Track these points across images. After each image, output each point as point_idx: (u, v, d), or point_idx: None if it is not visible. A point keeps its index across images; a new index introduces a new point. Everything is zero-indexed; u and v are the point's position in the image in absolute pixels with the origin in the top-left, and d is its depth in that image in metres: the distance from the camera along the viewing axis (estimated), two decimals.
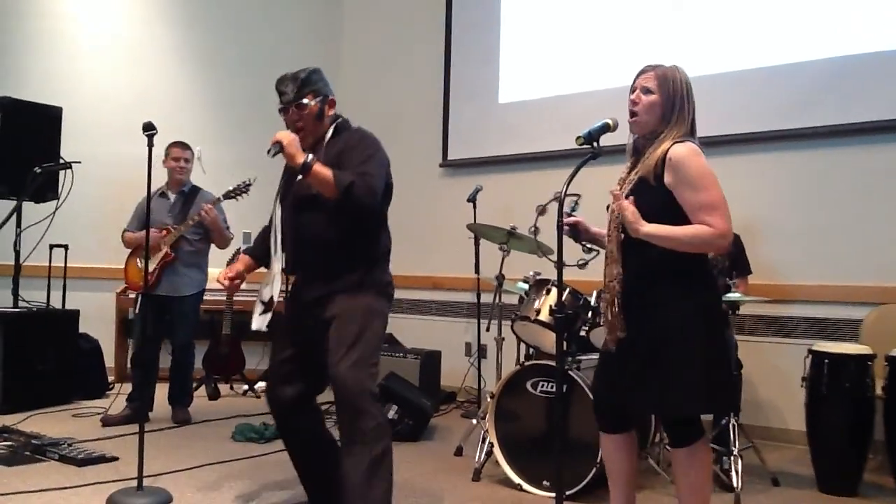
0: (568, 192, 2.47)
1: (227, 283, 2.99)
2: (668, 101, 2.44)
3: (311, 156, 2.64)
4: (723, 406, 2.91)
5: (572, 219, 2.65)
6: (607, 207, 2.52)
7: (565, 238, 2.45)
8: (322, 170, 2.63)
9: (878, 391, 3.55)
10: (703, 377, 2.37)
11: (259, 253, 3.05)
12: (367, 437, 2.59)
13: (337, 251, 2.77)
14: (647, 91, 2.46)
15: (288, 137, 2.70)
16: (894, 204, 4.32)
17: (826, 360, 3.63)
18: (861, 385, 3.57)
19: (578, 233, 2.67)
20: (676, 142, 2.39)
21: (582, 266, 2.69)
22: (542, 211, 3.26)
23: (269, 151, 2.70)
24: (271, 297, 2.87)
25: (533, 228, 2.92)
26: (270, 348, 3.16)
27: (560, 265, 2.35)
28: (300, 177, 2.72)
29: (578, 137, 2.41)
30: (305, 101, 2.84)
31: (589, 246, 2.71)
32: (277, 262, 2.87)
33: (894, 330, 4.00)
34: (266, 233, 3.03)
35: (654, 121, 2.46)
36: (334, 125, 2.92)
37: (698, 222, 2.35)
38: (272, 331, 2.98)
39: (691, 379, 2.36)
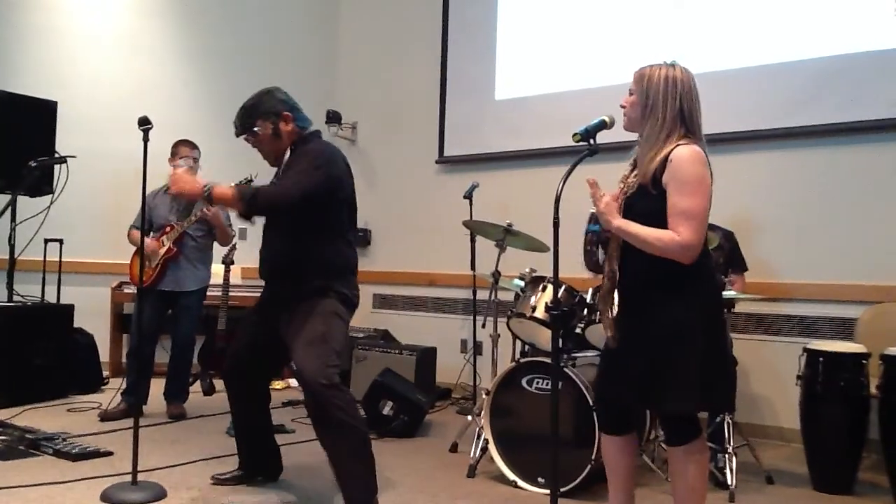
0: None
1: None
2: (643, 100, 2.46)
3: (206, 184, 2.90)
4: (720, 404, 2.91)
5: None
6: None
7: (567, 234, 2.44)
8: (221, 191, 2.89)
9: (873, 390, 3.55)
10: (701, 375, 2.36)
11: None
12: (333, 424, 2.80)
13: (297, 264, 3.02)
14: (630, 92, 2.52)
15: (175, 180, 2.99)
16: (890, 203, 4.33)
17: (821, 359, 3.64)
18: (856, 384, 3.57)
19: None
20: (680, 144, 2.39)
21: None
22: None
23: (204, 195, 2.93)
24: None
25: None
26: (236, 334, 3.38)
27: (556, 262, 2.34)
28: None
29: (575, 134, 2.41)
30: (256, 129, 3.10)
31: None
32: None
33: (889, 329, 4.00)
34: None
35: (637, 118, 2.49)
36: (293, 143, 3.11)
37: (671, 227, 2.35)
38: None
39: (689, 377, 2.35)
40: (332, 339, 2.90)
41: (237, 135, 3.18)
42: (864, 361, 3.59)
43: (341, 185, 3.07)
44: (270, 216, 3.03)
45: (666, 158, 2.38)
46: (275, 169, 3.21)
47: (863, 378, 3.58)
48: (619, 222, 2.42)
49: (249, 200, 2.87)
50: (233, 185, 3.02)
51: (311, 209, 2.93)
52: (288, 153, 3.11)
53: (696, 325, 2.37)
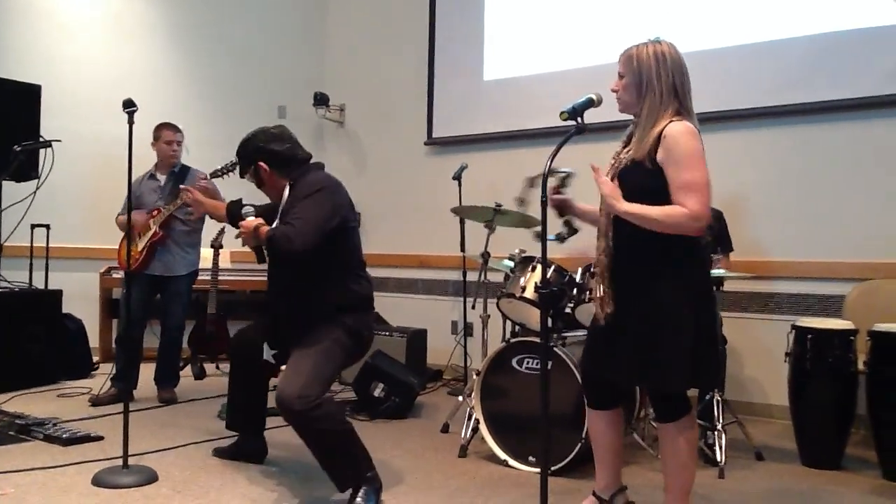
0: (557, 169, 2.48)
1: None
2: (636, 80, 2.47)
3: (262, 232, 2.95)
4: (708, 382, 2.93)
5: (558, 197, 2.66)
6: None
7: (551, 213, 2.45)
8: (262, 234, 2.95)
9: (861, 366, 3.58)
10: (690, 353, 2.38)
11: None
12: (308, 435, 2.84)
13: (307, 305, 3.03)
14: (620, 75, 2.53)
15: (244, 233, 3.02)
16: (877, 181, 4.34)
17: (809, 336, 3.66)
18: (844, 360, 3.59)
19: (564, 209, 2.68)
20: (673, 120, 2.39)
21: (560, 241, 2.70)
22: (531, 183, 3.27)
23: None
24: None
25: (519, 200, 2.91)
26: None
27: (544, 242, 2.34)
28: None
29: (562, 113, 2.40)
30: (245, 176, 3.26)
31: (575, 225, 2.72)
32: None
33: (877, 305, 4.03)
34: None
35: (632, 100, 2.50)
36: (292, 179, 3.12)
37: (676, 202, 2.35)
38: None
39: (678, 354, 2.37)
40: (322, 365, 2.88)
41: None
42: (851, 338, 3.61)
43: (346, 216, 3.09)
44: (286, 258, 2.97)
45: (659, 135, 2.39)
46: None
47: (851, 354, 3.60)
48: (626, 206, 2.42)
49: (268, 243, 2.93)
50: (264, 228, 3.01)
51: (323, 245, 2.93)
52: (287, 189, 3.10)
53: (685, 303, 2.39)
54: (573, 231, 2.74)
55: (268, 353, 3.23)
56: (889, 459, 3.44)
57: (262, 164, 3.13)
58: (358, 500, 2.80)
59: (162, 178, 4.74)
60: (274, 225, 3.02)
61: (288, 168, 3.14)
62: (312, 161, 3.24)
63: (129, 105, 3.19)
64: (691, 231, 2.37)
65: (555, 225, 2.61)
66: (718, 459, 3.42)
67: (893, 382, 3.41)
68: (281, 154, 3.13)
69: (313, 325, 2.99)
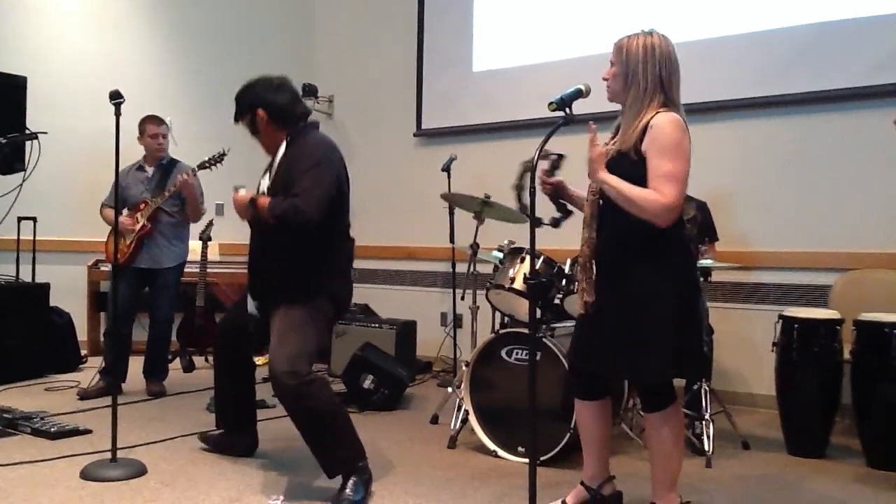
0: (549, 152, 2.49)
1: None
2: (624, 70, 2.48)
3: (254, 200, 2.97)
4: (693, 372, 2.95)
5: (552, 179, 2.67)
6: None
7: (543, 198, 2.46)
8: (263, 206, 2.94)
9: (846, 355, 3.61)
10: (675, 343, 2.40)
11: None
12: (300, 413, 2.86)
13: (292, 270, 2.98)
14: (611, 63, 2.55)
15: (235, 202, 3.03)
16: (862, 171, 4.37)
17: (796, 326, 3.68)
18: (830, 349, 3.62)
19: (557, 192, 2.69)
20: (660, 111, 2.41)
21: (555, 225, 2.71)
22: (526, 168, 3.27)
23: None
24: None
25: (517, 186, 2.92)
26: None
27: (533, 233, 2.34)
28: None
29: (551, 103, 2.41)
30: (240, 121, 3.17)
31: (568, 207, 2.72)
32: None
33: (862, 295, 4.06)
34: None
35: (620, 90, 2.52)
36: (289, 135, 3.09)
37: (653, 188, 2.37)
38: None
39: (663, 345, 2.39)
40: (307, 334, 2.91)
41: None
42: (837, 328, 3.64)
43: (345, 187, 3.10)
44: (293, 231, 2.95)
45: (646, 126, 2.40)
46: (246, 146, 3.22)
47: (836, 344, 3.63)
48: (605, 175, 2.44)
49: (277, 220, 2.91)
50: (267, 198, 2.99)
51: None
52: (284, 145, 3.08)
53: (668, 293, 2.40)
54: (568, 214, 2.74)
55: (252, 306, 3.15)
56: (873, 448, 3.48)
57: (260, 112, 3.08)
58: (347, 491, 2.81)
59: (150, 169, 4.72)
60: (267, 180, 3.07)
61: (286, 122, 3.10)
62: (310, 120, 3.22)
63: (115, 96, 3.17)
64: (659, 220, 2.37)
65: (548, 210, 2.63)
66: (706, 449, 3.45)
67: (878, 371, 3.45)
68: (281, 105, 3.10)
69: (298, 288, 2.97)
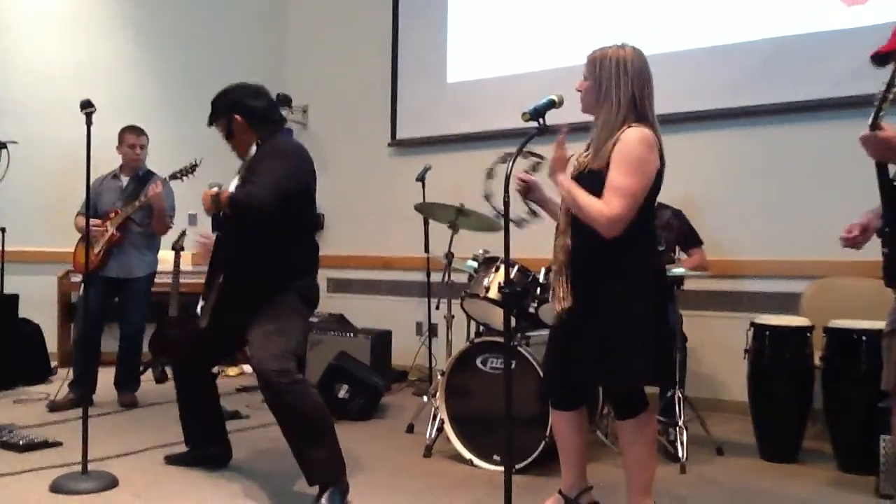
0: (529, 151, 2.51)
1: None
2: (596, 84, 2.50)
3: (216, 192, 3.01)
4: (664, 378, 2.98)
5: (526, 177, 2.69)
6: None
7: (513, 197, 2.47)
8: (223, 197, 2.97)
9: (817, 361, 3.66)
10: (646, 351, 2.41)
11: None
12: (287, 412, 2.87)
13: (261, 266, 3.02)
14: (584, 76, 2.57)
15: (203, 200, 3.03)
16: (832, 180, 4.43)
17: (767, 332, 3.72)
18: (801, 356, 3.67)
19: (529, 191, 2.70)
20: (632, 126, 2.42)
21: (518, 224, 2.73)
22: (490, 174, 3.30)
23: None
24: None
25: (486, 196, 2.93)
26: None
27: (507, 242, 2.35)
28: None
29: (524, 114, 2.41)
30: (214, 125, 3.23)
31: (534, 208, 2.74)
32: None
33: (832, 302, 4.11)
34: None
35: (592, 102, 2.54)
36: (259, 138, 3.14)
37: (603, 199, 2.39)
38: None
39: (634, 352, 2.40)
40: (289, 333, 2.94)
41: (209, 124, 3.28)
42: (808, 334, 3.69)
43: (308, 182, 3.13)
44: (248, 219, 2.98)
45: (616, 142, 2.41)
46: (219, 156, 3.24)
47: (807, 350, 3.68)
48: (562, 178, 2.48)
49: (231, 207, 2.94)
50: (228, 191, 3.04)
51: (283, 207, 2.94)
52: (254, 148, 3.14)
53: (640, 302, 2.42)
54: (533, 215, 2.76)
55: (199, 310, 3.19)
56: (844, 452, 3.53)
57: (237, 116, 3.13)
58: (323, 500, 2.80)
59: (125, 179, 4.70)
60: (235, 182, 3.10)
61: (261, 126, 3.15)
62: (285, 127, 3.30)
63: (86, 105, 3.15)
64: (603, 231, 2.40)
65: (516, 210, 2.64)
66: (680, 455, 3.47)
67: (848, 377, 3.50)
68: (258, 110, 3.16)
69: (268, 290, 3.00)
